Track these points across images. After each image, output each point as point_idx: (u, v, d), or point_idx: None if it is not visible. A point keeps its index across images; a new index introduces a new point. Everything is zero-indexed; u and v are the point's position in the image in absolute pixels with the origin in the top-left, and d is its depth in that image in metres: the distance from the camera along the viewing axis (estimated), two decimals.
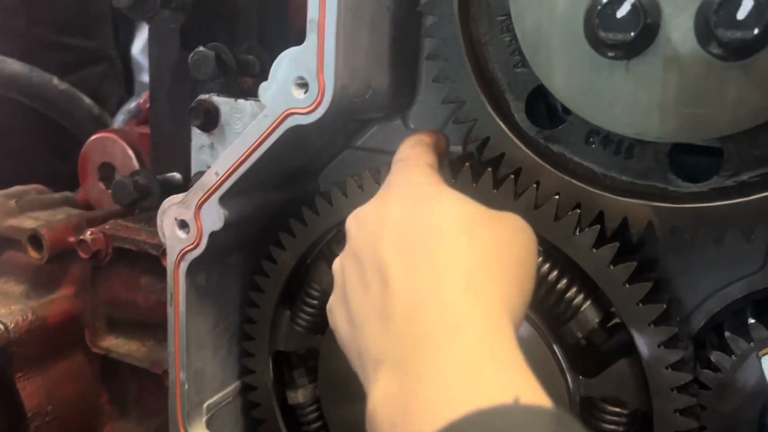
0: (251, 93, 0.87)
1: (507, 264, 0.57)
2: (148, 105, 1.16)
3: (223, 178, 0.79)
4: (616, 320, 0.76)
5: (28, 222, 1.11)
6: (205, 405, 0.94)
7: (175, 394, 0.90)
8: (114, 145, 1.24)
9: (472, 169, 0.75)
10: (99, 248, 1.03)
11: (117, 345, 1.08)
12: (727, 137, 0.62)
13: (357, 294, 0.59)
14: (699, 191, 0.66)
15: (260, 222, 0.92)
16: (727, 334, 0.73)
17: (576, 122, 0.69)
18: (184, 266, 0.84)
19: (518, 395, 0.44)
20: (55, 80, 1.54)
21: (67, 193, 1.29)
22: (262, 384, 0.96)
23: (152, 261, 0.99)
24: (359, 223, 0.64)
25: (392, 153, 0.90)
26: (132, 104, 1.47)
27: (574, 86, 0.65)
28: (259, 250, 0.94)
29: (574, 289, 0.75)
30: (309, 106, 0.72)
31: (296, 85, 0.72)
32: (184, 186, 1.00)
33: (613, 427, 0.77)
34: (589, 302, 0.75)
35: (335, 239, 0.89)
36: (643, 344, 0.71)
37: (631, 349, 0.72)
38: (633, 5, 0.57)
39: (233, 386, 1.00)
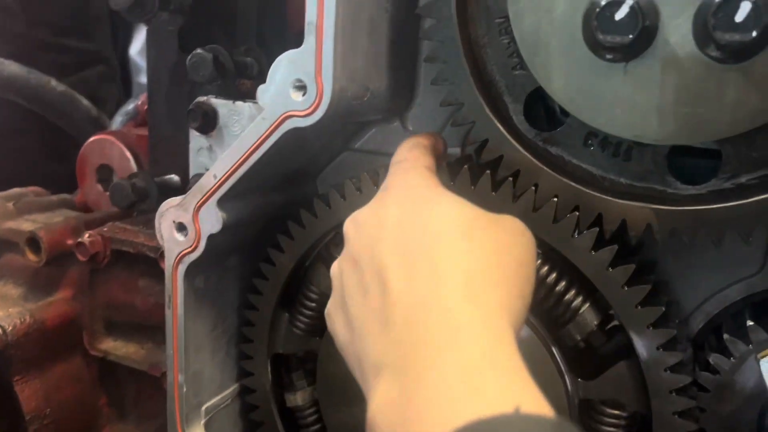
0: (249, 95, 0.87)
1: (506, 268, 0.57)
2: (146, 107, 1.16)
3: (221, 180, 0.79)
4: (615, 322, 0.76)
5: (26, 224, 1.10)
6: (203, 407, 0.94)
7: (173, 397, 0.90)
8: (112, 147, 1.24)
9: (471, 171, 0.75)
10: (97, 251, 1.02)
11: (115, 347, 1.08)
12: (725, 140, 0.62)
13: (356, 298, 0.59)
14: (697, 193, 0.66)
15: (258, 224, 0.91)
16: (725, 336, 0.73)
17: (574, 124, 0.69)
18: (182, 269, 0.84)
19: (519, 404, 0.44)
20: (53, 82, 1.54)
21: (65, 195, 1.29)
22: (260, 387, 0.96)
23: (150, 263, 0.99)
24: (357, 226, 0.64)
25: (391, 155, 0.90)
26: (130, 106, 1.47)
27: (573, 88, 0.65)
28: (257, 252, 0.94)
29: (572, 292, 0.75)
30: (307, 109, 0.72)
31: (294, 88, 0.72)
32: (183, 188, 1.00)
33: (612, 429, 0.77)
34: (587, 304, 0.75)
35: (334, 241, 0.89)
36: (641, 346, 0.71)
37: (629, 351, 0.72)
38: (631, 8, 0.57)
39: (232, 389, 0.99)
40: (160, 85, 1.04)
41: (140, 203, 1.02)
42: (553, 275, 0.75)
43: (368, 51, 0.76)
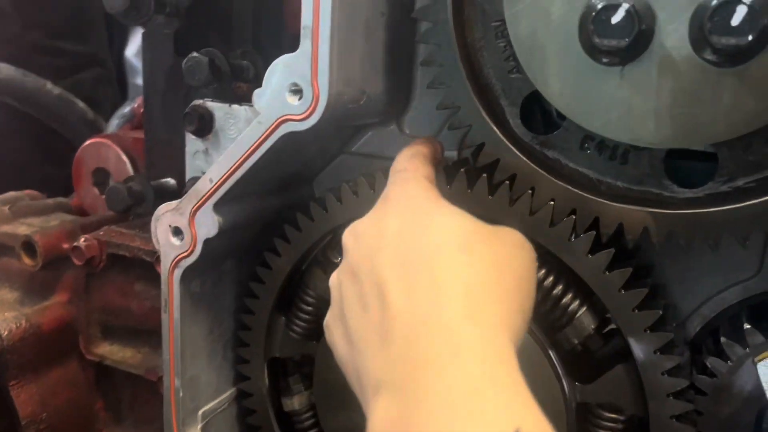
0: (245, 98, 0.87)
1: (507, 283, 0.56)
2: (142, 109, 1.15)
3: (217, 184, 0.79)
4: (612, 326, 0.76)
5: (21, 228, 1.10)
6: (200, 412, 0.94)
7: (170, 402, 0.90)
8: (108, 150, 1.23)
9: (467, 175, 0.74)
10: (93, 255, 1.02)
11: (111, 352, 1.07)
12: (721, 143, 0.62)
13: (355, 311, 0.58)
14: (694, 197, 0.66)
15: (255, 228, 0.91)
16: (722, 339, 0.73)
17: (571, 128, 0.69)
18: (178, 273, 0.84)
19: (520, 425, 0.44)
20: (49, 85, 1.53)
21: (60, 199, 1.28)
22: (257, 391, 0.96)
23: (146, 267, 0.98)
24: (356, 237, 0.63)
25: (387, 158, 0.90)
26: (126, 109, 1.47)
27: (569, 92, 0.65)
28: (253, 256, 0.93)
29: (569, 296, 0.75)
30: (303, 113, 0.71)
31: (290, 92, 0.72)
32: (179, 192, 1.00)
33: None
34: (584, 308, 0.75)
35: (330, 245, 0.89)
36: (639, 350, 0.71)
37: (627, 355, 0.72)
38: (627, 11, 0.57)
39: (228, 393, 0.99)
40: (156, 89, 1.04)
41: (136, 207, 1.02)
42: (550, 279, 0.75)
43: (364, 55, 0.76)
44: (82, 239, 1.02)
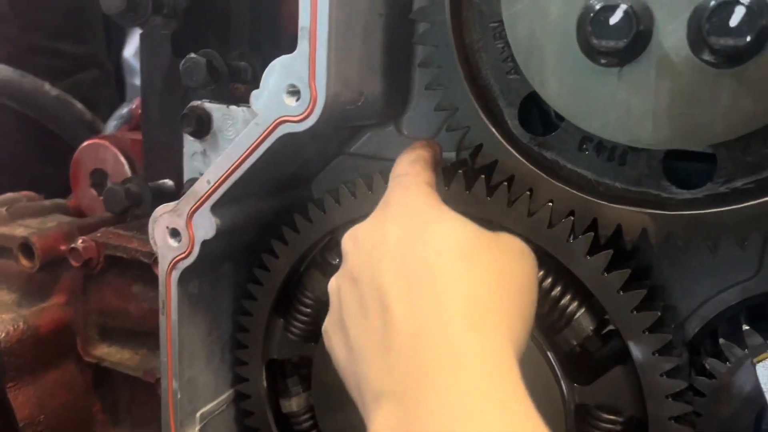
0: (243, 99, 0.86)
1: (509, 291, 0.56)
2: (140, 111, 1.15)
3: (214, 186, 0.79)
4: (611, 328, 0.76)
5: (19, 230, 1.10)
6: (198, 414, 0.94)
7: (167, 404, 0.89)
8: (106, 151, 1.23)
9: (466, 176, 0.74)
10: (90, 256, 1.02)
11: (109, 354, 1.07)
12: (720, 144, 0.62)
13: (355, 319, 0.58)
14: (693, 198, 0.66)
15: (253, 230, 0.91)
16: (721, 340, 0.73)
17: (569, 129, 0.69)
18: (175, 275, 0.84)
19: None
20: (47, 86, 1.53)
21: (58, 200, 1.28)
22: (255, 392, 0.96)
23: (144, 269, 0.98)
24: (356, 242, 0.62)
25: (386, 159, 0.91)
26: (124, 110, 1.46)
27: (567, 93, 0.64)
28: (251, 258, 0.93)
29: (568, 297, 0.75)
30: (301, 114, 0.71)
31: (288, 93, 0.72)
32: (177, 193, 0.99)
33: None
34: (583, 310, 0.75)
35: (328, 247, 0.89)
36: (637, 352, 0.71)
37: (625, 356, 0.72)
38: (625, 12, 0.57)
39: (226, 395, 0.99)
40: (154, 90, 1.04)
41: (134, 208, 1.02)
42: (549, 280, 0.75)
43: (362, 56, 0.75)
44: (80, 241, 1.02)
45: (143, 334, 1.04)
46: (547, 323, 0.76)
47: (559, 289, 0.75)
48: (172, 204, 0.82)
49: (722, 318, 0.79)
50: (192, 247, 0.82)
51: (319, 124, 0.71)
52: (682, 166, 0.68)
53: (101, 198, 1.09)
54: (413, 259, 0.56)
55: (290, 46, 0.70)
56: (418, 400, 0.49)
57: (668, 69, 0.59)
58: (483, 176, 0.73)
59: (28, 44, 1.66)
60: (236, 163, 0.77)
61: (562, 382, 0.76)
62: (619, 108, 0.62)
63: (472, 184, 0.74)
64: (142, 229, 0.99)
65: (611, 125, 0.63)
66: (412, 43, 0.85)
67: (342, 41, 0.70)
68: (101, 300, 1.06)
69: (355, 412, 0.58)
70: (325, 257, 0.89)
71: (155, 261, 0.87)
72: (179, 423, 0.90)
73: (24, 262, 1.06)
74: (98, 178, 1.24)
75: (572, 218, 0.70)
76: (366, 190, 0.81)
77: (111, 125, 1.46)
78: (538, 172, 0.70)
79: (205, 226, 0.81)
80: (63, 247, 1.05)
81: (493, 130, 0.70)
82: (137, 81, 1.91)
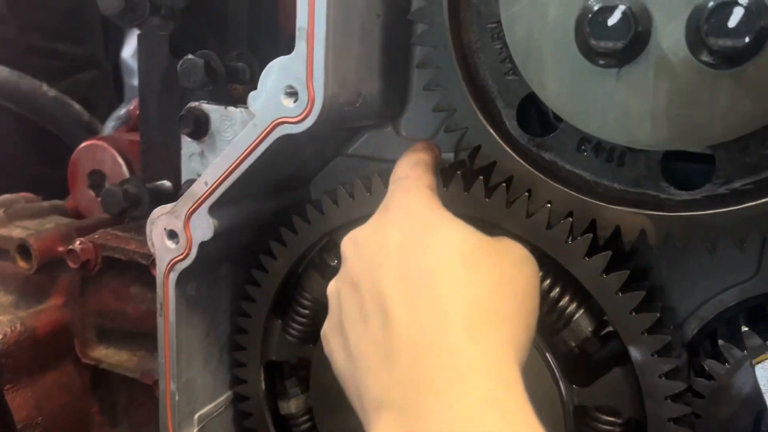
0: (241, 100, 0.86)
1: (511, 300, 0.56)
2: (138, 112, 1.15)
3: (212, 187, 0.78)
4: (610, 329, 0.76)
5: (16, 231, 1.09)
6: (196, 416, 0.93)
7: (165, 405, 0.89)
8: (104, 152, 1.23)
9: (464, 177, 0.74)
10: (88, 258, 1.02)
11: (107, 355, 1.07)
12: (718, 145, 0.62)
13: (355, 324, 0.57)
14: (691, 199, 0.65)
15: (251, 231, 0.91)
16: (720, 342, 0.73)
17: (567, 130, 0.69)
18: (173, 276, 0.83)
19: None
20: (45, 87, 1.52)
21: (56, 202, 1.28)
22: (253, 394, 0.96)
23: (142, 270, 0.98)
24: (356, 246, 0.62)
25: (384, 160, 0.91)
26: (122, 111, 1.46)
27: (565, 94, 0.64)
28: (249, 259, 0.93)
29: (566, 298, 0.75)
30: (299, 115, 0.71)
31: (286, 94, 0.71)
32: (175, 194, 0.99)
33: None
34: (582, 311, 0.75)
35: (327, 248, 0.89)
36: (636, 353, 0.71)
37: (624, 357, 0.72)
38: (624, 13, 0.57)
39: (225, 396, 0.99)
40: (152, 91, 1.04)
41: (132, 209, 1.01)
42: (548, 281, 0.75)
43: (360, 56, 0.75)
44: (78, 242, 1.02)
45: (141, 335, 1.03)
46: (546, 324, 0.76)
47: (557, 290, 0.75)
48: (169, 205, 0.82)
49: (721, 319, 0.79)
50: (190, 249, 0.82)
51: (317, 125, 0.71)
52: (681, 167, 0.68)
53: (99, 199, 1.09)
54: (414, 265, 0.56)
55: (288, 47, 0.70)
56: (421, 411, 0.48)
57: (667, 70, 0.58)
58: (481, 177, 0.73)
59: (26, 45, 1.66)
60: (234, 165, 0.76)
61: (561, 384, 0.76)
62: (618, 109, 0.62)
63: (470, 185, 0.73)
64: (140, 230, 0.98)
65: (610, 126, 0.63)
66: (410, 44, 0.85)
67: (340, 42, 0.70)
68: (99, 301, 1.06)
69: (353, 414, 0.58)
70: (323, 258, 0.89)
71: (153, 262, 0.87)
72: (177, 425, 0.90)
73: (21, 263, 1.05)
74: (96, 179, 1.24)
75: (571, 219, 0.70)
76: (364, 192, 0.80)
77: (109, 126, 1.46)
78: (537, 173, 0.70)
79: (203, 228, 0.81)
80: (61, 249, 1.05)
81: (492, 130, 0.70)
82: (136, 81, 1.91)
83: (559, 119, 0.68)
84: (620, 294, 0.70)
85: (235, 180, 0.77)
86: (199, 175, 0.81)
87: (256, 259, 0.91)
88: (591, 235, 0.70)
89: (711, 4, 0.53)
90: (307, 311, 0.90)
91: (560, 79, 0.64)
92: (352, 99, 0.76)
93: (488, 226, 0.71)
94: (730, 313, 0.78)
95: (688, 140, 0.61)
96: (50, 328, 1.06)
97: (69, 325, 1.08)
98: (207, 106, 0.86)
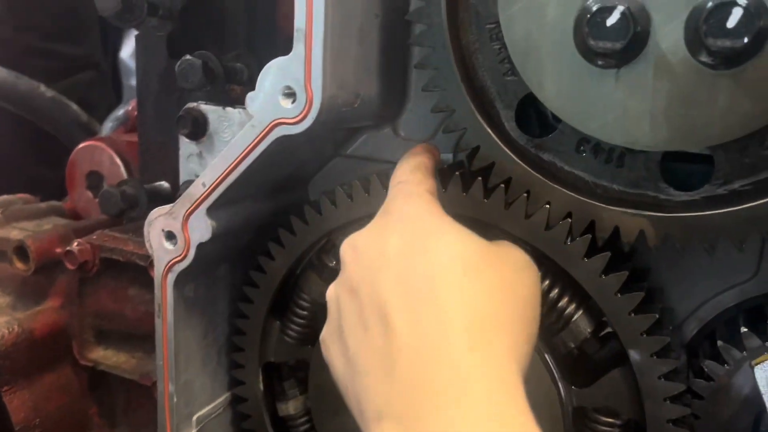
0: (239, 101, 0.86)
1: (513, 308, 0.55)
2: (136, 112, 1.15)
3: (210, 188, 0.78)
4: (608, 330, 0.76)
5: (14, 233, 1.09)
6: (194, 417, 0.93)
7: (164, 407, 0.89)
8: (102, 153, 1.23)
9: (463, 178, 0.74)
10: (86, 259, 1.01)
11: (105, 357, 1.07)
12: (717, 146, 0.62)
13: (355, 331, 0.57)
14: (691, 200, 0.65)
15: (249, 232, 0.91)
16: (719, 343, 0.73)
17: (566, 131, 0.68)
18: (171, 278, 0.83)
19: None
20: (42, 87, 1.52)
21: (54, 203, 1.27)
22: (252, 395, 0.95)
23: (140, 272, 0.98)
24: (356, 252, 0.61)
25: (382, 161, 0.90)
26: (120, 111, 1.46)
27: (564, 95, 0.64)
28: (247, 260, 0.93)
29: (565, 299, 0.75)
30: (297, 116, 0.71)
31: (284, 95, 0.71)
32: (173, 195, 0.99)
33: None
34: (581, 312, 0.75)
35: (325, 249, 0.88)
36: (635, 354, 0.70)
37: (623, 358, 0.72)
38: (623, 14, 0.56)
39: (223, 398, 0.98)
40: (150, 92, 1.03)
41: (130, 211, 1.01)
42: (546, 282, 0.75)
43: (358, 57, 0.75)
44: (75, 243, 1.01)
45: (139, 337, 1.03)
46: (545, 326, 0.75)
47: (556, 291, 0.75)
48: (167, 207, 0.82)
49: (720, 320, 0.78)
50: (188, 250, 0.81)
51: (315, 126, 0.71)
52: (680, 167, 0.67)
53: (97, 200, 1.09)
54: (414, 271, 0.55)
55: (286, 48, 0.70)
56: (422, 423, 0.48)
57: (666, 70, 0.58)
58: (480, 178, 0.73)
59: (24, 45, 1.66)
60: (232, 166, 0.76)
61: (559, 385, 0.75)
62: (617, 109, 0.62)
63: (469, 186, 0.73)
64: (138, 231, 0.98)
65: (609, 127, 0.63)
66: (408, 45, 0.85)
67: (338, 43, 0.70)
68: (97, 303, 1.06)
69: (351, 416, 0.58)
70: (321, 259, 0.89)
71: (151, 264, 0.87)
72: (175, 426, 0.90)
73: (19, 265, 1.05)
74: (94, 180, 1.24)
75: (570, 220, 0.70)
76: (363, 193, 0.80)
77: (107, 127, 1.45)
78: (536, 174, 0.69)
79: (201, 229, 0.80)
80: (58, 250, 1.05)
81: (490, 131, 0.70)
82: (134, 82, 1.91)
83: (558, 120, 0.68)
84: (619, 295, 0.70)
85: (233, 181, 0.77)
86: (197, 176, 0.80)
87: (255, 261, 0.91)
88: (590, 236, 0.70)
89: (710, 4, 0.53)
90: (305, 312, 0.90)
91: (559, 79, 0.64)
92: (351, 100, 0.76)
93: (487, 227, 0.71)
94: (730, 314, 0.78)
95: (687, 141, 0.61)
96: (48, 330, 1.06)
97: (67, 326, 1.08)
98: (205, 107, 0.86)
